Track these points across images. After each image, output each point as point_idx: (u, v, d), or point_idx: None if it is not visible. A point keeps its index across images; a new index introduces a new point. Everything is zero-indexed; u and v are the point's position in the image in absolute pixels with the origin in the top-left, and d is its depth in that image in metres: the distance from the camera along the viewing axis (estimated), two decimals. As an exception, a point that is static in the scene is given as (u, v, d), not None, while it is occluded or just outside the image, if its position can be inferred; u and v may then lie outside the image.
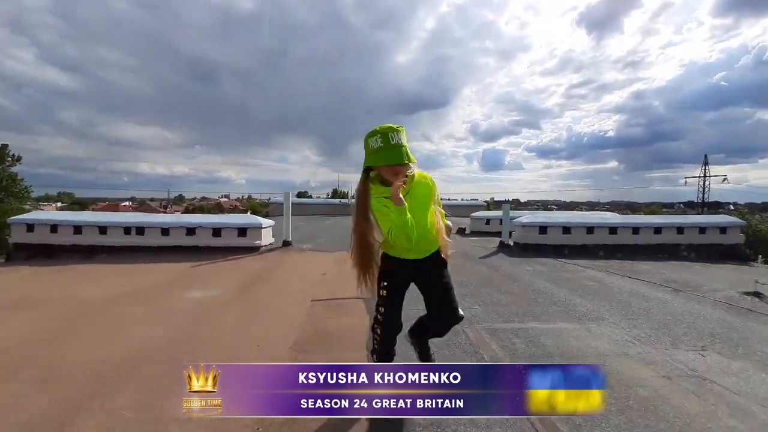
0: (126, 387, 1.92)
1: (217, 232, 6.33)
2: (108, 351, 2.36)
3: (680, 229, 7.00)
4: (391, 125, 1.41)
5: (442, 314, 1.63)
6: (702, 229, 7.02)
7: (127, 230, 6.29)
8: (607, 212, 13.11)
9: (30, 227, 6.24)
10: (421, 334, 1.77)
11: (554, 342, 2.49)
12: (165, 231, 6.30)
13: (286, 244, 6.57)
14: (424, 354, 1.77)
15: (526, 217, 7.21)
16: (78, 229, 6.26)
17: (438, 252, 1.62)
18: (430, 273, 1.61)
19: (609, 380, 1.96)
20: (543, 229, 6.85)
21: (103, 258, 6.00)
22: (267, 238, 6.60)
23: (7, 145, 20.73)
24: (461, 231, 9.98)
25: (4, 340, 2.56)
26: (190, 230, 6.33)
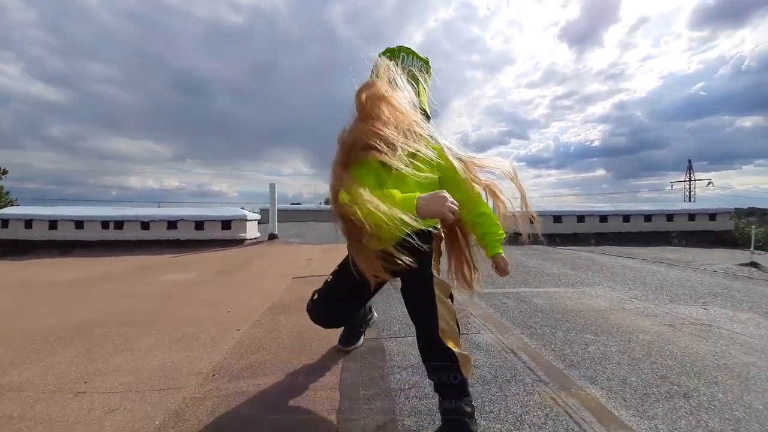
0: (69, 346, 1.70)
1: (199, 225, 6.11)
2: (59, 320, 2.14)
3: (670, 216, 6.97)
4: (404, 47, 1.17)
5: None
6: (691, 216, 7.00)
7: (104, 224, 6.04)
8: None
9: (4, 223, 5.97)
10: None
11: (546, 302, 2.33)
12: (145, 225, 6.06)
13: (273, 237, 6.36)
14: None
15: (518, 207, 7.13)
16: (53, 224, 6.00)
17: None
18: None
19: (608, 329, 1.81)
20: (534, 217, 6.76)
21: (80, 252, 5.72)
22: (252, 232, 6.39)
23: (-9, 158, 20.12)
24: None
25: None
26: (172, 223, 6.10)
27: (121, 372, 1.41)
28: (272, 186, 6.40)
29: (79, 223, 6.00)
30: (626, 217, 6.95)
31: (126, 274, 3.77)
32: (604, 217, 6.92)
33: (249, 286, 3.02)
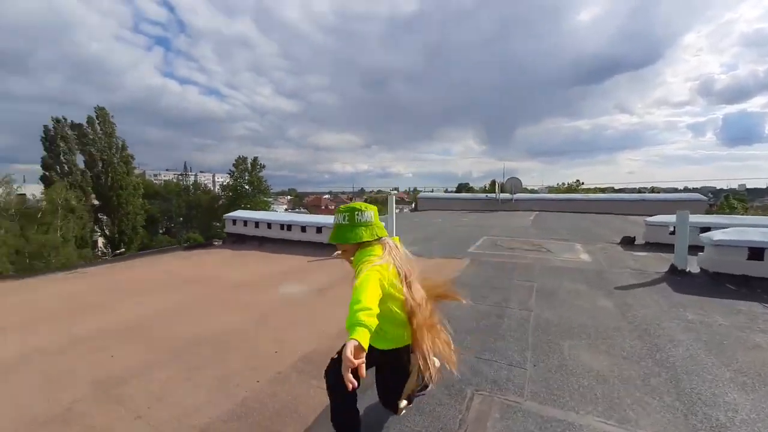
0: (202, 352, 2.55)
1: (337, 231, 7.25)
2: (202, 329, 3.21)
3: None
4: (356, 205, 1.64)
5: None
6: None
7: (282, 226, 8.10)
8: None
9: (234, 221, 8.99)
10: None
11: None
12: (303, 228, 7.73)
13: (392, 245, 6.79)
14: None
15: (727, 231, 4.64)
16: (256, 224, 8.55)
17: None
18: None
19: None
20: (757, 251, 4.23)
21: (268, 246, 7.94)
22: (377, 239, 7.02)
23: (257, 158, 31.29)
24: (629, 241, 7.44)
25: (168, 307, 3.90)
26: (319, 228, 7.50)
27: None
28: (391, 197, 6.77)
29: (269, 225, 8.31)
30: None
31: (266, 280, 5.03)
32: None
33: (324, 316, 3.47)
